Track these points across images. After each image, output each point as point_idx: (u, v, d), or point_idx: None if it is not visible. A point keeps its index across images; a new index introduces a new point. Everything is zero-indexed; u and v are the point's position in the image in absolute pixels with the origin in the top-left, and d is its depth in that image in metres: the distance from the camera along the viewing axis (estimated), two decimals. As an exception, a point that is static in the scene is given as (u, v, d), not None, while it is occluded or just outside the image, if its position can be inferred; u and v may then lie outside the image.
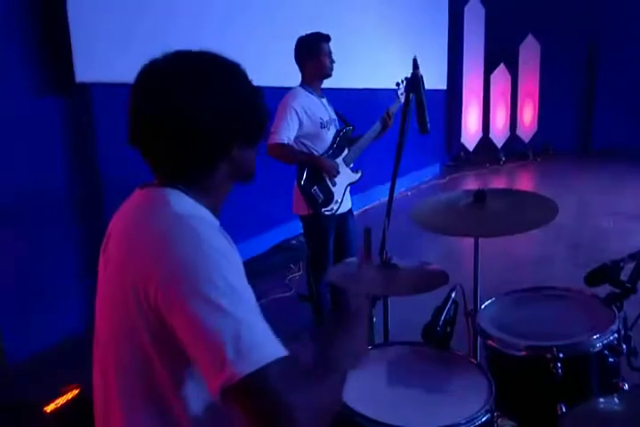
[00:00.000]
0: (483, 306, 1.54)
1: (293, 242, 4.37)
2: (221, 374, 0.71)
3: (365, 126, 2.73)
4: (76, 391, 2.04)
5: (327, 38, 2.62)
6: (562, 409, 1.27)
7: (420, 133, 1.52)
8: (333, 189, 2.63)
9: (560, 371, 1.25)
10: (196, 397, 0.83)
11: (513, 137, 8.82)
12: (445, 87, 7.90)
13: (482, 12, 8.19)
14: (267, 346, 0.74)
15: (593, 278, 1.33)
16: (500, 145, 8.62)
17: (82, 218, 2.97)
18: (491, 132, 8.61)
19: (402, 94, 2.74)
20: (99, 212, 2.97)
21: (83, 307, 2.93)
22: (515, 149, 8.69)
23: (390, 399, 1.28)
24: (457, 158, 8.45)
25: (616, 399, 1.11)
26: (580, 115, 9.02)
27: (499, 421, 1.53)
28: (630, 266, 1.35)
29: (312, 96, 2.64)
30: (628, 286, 1.31)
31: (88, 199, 2.98)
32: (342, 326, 1.03)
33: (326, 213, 2.62)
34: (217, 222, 0.88)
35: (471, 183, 7.37)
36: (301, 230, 2.84)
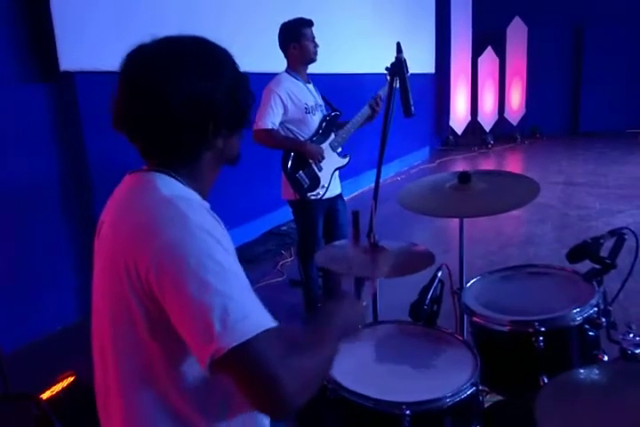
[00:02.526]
0: (468, 284, 1.59)
1: (284, 228, 4.39)
2: (209, 346, 0.73)
3: (353, 112, 2.74)
4: (71, 378, 2.07)
5: (309, 23, 2.62)
6: (544, 381, 1.31)
7: (404, 116, 1.54)
8: (319, 173, 2.66)
9: (542, 344, 1.30)
10: (192, 376, 0.85)
11: (501, 120, 8.86)
12: (434, 71, 7.89)
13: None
14: (254, 318, 0.75)
15: (574, 255, 1.37)
16: (488, 128, 8.66)
17: (71, 206, 2.96)
18: (479, 115, 8.64)
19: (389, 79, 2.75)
20: (88, 199, 2.97)
21: (76, 296, 2.95)
22: (503, 132, 8.74)
23: (377, 375, 1.32)
24: (446, 142, 8.49)
25: (595, 370, 1.16)
26: (566, 98, 9.07)
27: (487, 396, 1.59)
28: (610, 243, 1.39)
29: (297, 81, 2.64)
30: (608, 261, 1.35)
31: (76, 188, 2.97)
32: (333, 304, 1.05)
33: (312, 197, 2.64)
34: (206, 204, 0.90)
35: (460, 166, 7.41)
36: (292, 216, 2.86)
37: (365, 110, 2.68)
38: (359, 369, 1.33)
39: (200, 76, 0.86)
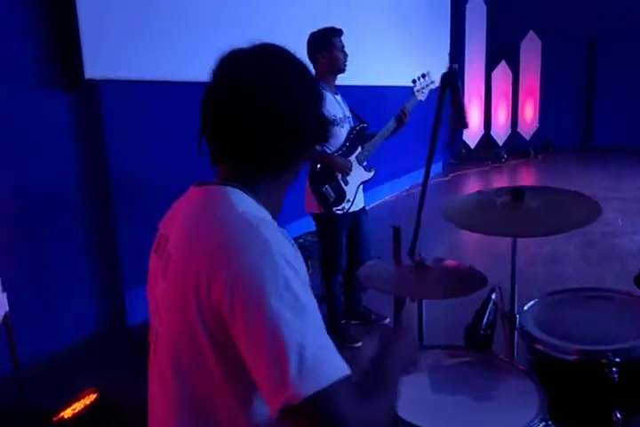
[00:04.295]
0: (525, 308, 1.49)
1: (301, 240, 4.31)
2: (283, 392, 0.66)
3: (379, 124, 2.68)
4: (93, 396, 1.97)
5: (339, 32, 2.57)
6: (617, 416, 1.21)
7: (457, 127, 1.47)
8: (345, 187, 2.59)
9: (616, 376, 1.20)
10: (256, 417, 0.78)
11: (514, 134, 8.81)
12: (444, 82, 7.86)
13: (483, 8, 8.17)
14: (331, 363, 0.69)
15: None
16: (501, 142, 8.61)
17: (92, 215, 2.91)
18: (492, 129, 8.59)
19: (417, 91, 2.70)
20: (109, 209, 2.91)
21: (95, 308, 2.87)
22: (516, 147, 8.67)
23: (438, 408, 1.23)
24: (459, 156, 8.42)
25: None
26: (580, 112, 9.02)
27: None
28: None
29: (325, 92, 2.58)
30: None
31: (98, 197, 2.91)
32: (390, 335, 0.96)
33: (338, 211, 2.57)
34: (281, 228, 0.82)
35: (474, 181, 7.34)
36: (309, 229, 2.80)
37: (392, 124, 2.62)
38: (416, 400, 1.23)
39: (304, 87, 0.84)
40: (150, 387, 0.91)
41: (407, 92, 2.72)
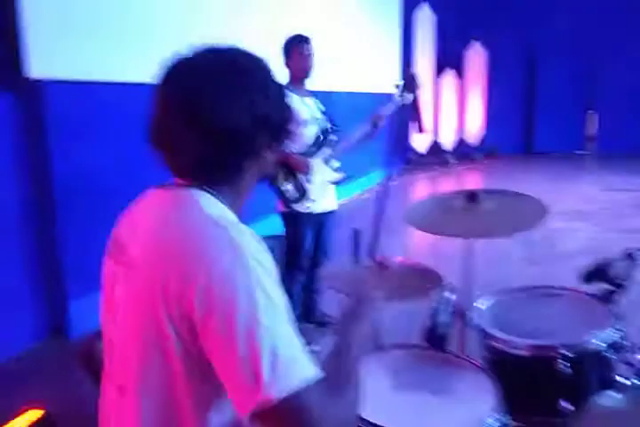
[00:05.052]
0: (480, 306, 1.55)
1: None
2: (256, 395, 0.67)
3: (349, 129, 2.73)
4: (38, 413, 1.87)
5: (301, 39, 2.64)
6: (564, 406, 1.28)
7: (418, 132, 1.51)
8: (308, 186, 2.61)
9: (566, 369, 1.27)
10: (219, 422, 0.77)
11: (461, 140, 9.13)
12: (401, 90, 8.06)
13: (432, 18, 8.42)
14: (303, 365, 0.70)
15: (589, 277, 1.36)
16: (449, 148, 8.90)
17: (33, 224, 2.75)
18: (440, 135, 8.87)
19: (399, 96, 2.74)
20: (50, 217, 2.77)
21: (36, 321, 2.73)
22: (463, 152, 9.00)
23: (397, 405, 1.25)
24: (409, 161, 8.64)
25: (620, 395, 1.14)
26: (522, 119, 9.48)
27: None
28: (622, 264, 1.39)
29: (294, 95, 2.61)
30: (622, 283, 1.35)
31: (38, 204, 2.76)
32: (345, 331, 0.97)
33: (300, 210, 2.60)
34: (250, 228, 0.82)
35: (424, 185, 7.55)
36: (273, 231, 2.81)
37: (364, 127, 2.66)
38: (377, 399, 1.25)
39: (248, 86, 0.81)
40: (104, 400, 0.88)
41: (360, 97, 2.76)
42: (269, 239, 4.11)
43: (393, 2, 7.65)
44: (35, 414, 1.86)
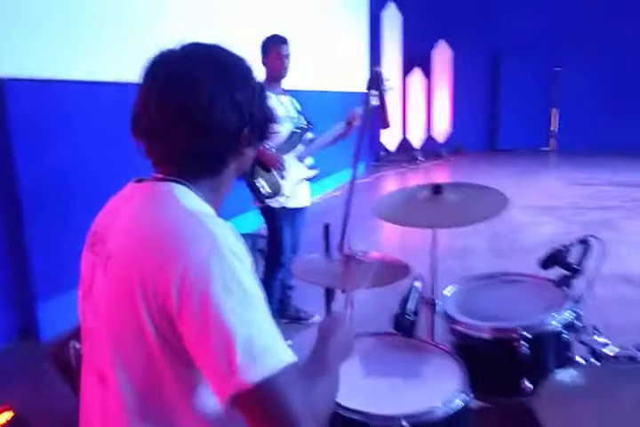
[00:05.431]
0: (445, 293, 1.62)
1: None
2: (232, 380, 0.69)
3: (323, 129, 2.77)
4: (8, 415, 1.85)
5: (277, 39, 2.71)
6: (525, 385, 1.36)
7: (381, 128, 1.56)
8: (282, 182, 2.66)
9: (525, 349, 1.34)
10: (205, 407, 0.80)
11: (429, 138, 9.31)
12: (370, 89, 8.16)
13: (399, 17, 8.54)
14: (277, 351, 0.72)
15: (547, 263, 1.44)
16: (417, 145, 9.06)
17: (0, 226, 2.70)
18: (409, 133, 9.01)
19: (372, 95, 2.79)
20: (17, 217, 2.72)
21: (5, 323, 2.67)
22: (431, 149, 9.17)
23: (368, 388, 1.31)
24: (379, 158, 8.75)
25: (577, 372, 1.22)
26: (487, 117, 9.72)
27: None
28: (576, 250, 1.48)
29: (270, 93, 2.64)
30: (577, 267, 1.44)
31: (5, 204, 2.71)
32: (327, 324, 1.01)
33: (273, 205, 2.64)
34: (227, 222, 0.85)
35: (394, 181, 7.67)
36: (250, 229, 2.85)
37: (339, 126, 2.70)
38: (349, 384, 1.30)
39: (236, 84, 0.83)
40: (86, 391, 0.89)
41: (331, 96, 2.82)
42: (246, 236, 4.15)
43: (361, 2, 7.74)
44: (4, 416, 1.84)
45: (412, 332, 1.51)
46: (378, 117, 1.58)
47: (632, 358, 1.33)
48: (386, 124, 1.58)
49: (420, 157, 8.75)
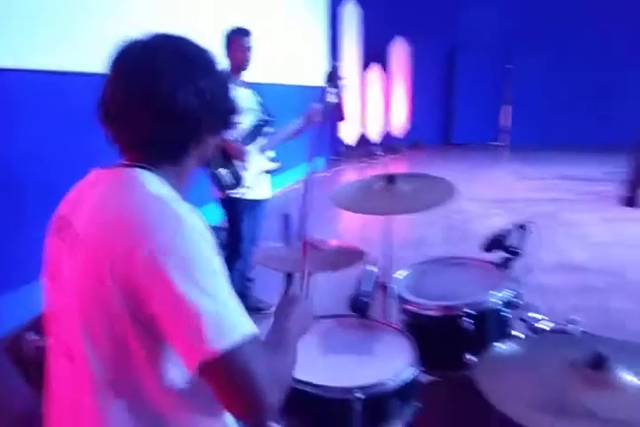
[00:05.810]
0: (398, 276, 1.72)
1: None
2: (200, 349, 0.74)
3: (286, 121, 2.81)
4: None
5: (241, 32, 2.75)
6: (468, 358, 1.48)
7: (337, 121, 1.64)
8: (244, 173, 2.70)
9: (468, 325, 1.46)
10: (176, 378, 0.84)
11: (387, 133, 9.49)
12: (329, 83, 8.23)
13: (358, 13, 8.64)
14: (242, 324, 0.77)
15: (489, 246, 1.56)
16: (376, 140, 9.22)
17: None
18: (368, 128, 9.16)
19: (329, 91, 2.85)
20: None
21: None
22: (389, 144, 9.35)
23: (325, 365, 1.39)
24: (339, 153, 8.86)
25: (514, 344, 1.34)
26: (444, 112, 9.99)
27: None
28: (516, 234, 1.61)
29: (232, 85, 2.67)
30: (516, 250, 1.57)
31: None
32: (286, 306, 1.07)
33: (234, 195, 2.68)
34: (187, 202, 0.89)
35: (353, 174, 7.79)
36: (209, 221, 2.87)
37: (300, 120, 2.75)
38: (307, 361, 1.38)
39: (199, 72, 0.87)
40: (54, 372, 0.92)
41: (290, 90, 2.88)
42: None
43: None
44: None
45: (367, 312, 1.60)
46: (335, 111, 1.65)
47: (564, 332, 1.47)
48: (341, 117, 1.65)
49: (378, 152, 8.91)
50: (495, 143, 9.83)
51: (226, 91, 0.93)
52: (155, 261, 0.76)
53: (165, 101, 0.84)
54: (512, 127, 9.89)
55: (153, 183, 0.86)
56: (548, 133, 9.39)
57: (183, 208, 0.83)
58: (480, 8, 9.23)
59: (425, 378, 1.53)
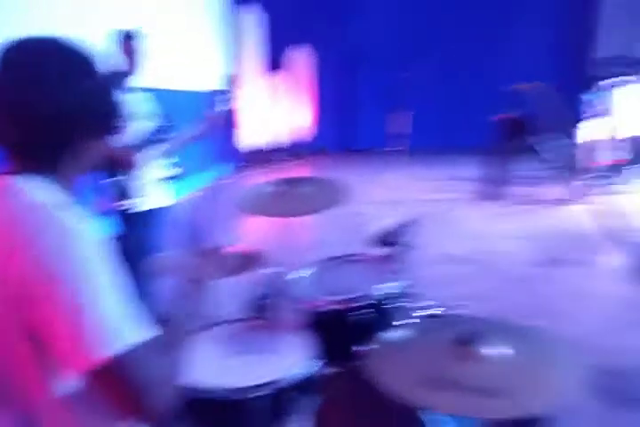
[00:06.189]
0: (297, 276, 1.80)
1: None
2: (89, 355, 0.74)
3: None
4: None
5: (130, 35, 2.68)
6: (362, 348, 1.57)
7: (232, 128, 1.68)
8: (136, 183, 2.62)
9: (359, 317, 1.57)
10: (63, 391, 0.83)
11: (293, 139, 9.65)
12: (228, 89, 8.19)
13: (261, 19, 8.69)
14: (131, 329, 0.78)
15: (380, 242, 1.69)
16: (281, 146, 9.34)
17: None
18: (273, 134, 9.24)
19: (221, 95, 2.84)
20: None
21: None
22: (294, 150, 9.51)
23: (224, 368, 1.42)
24: (244, 159, 8.84)
25: (403, 332, 1.46)
26: (347, 119, 10.34)
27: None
28: (403, 230, 1.75)
29: (121, 89, 2.59)
30: (405, 245, 1.71)
31: None
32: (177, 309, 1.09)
33: (129, 207, 2.61)
34: (76, 209, 0.88)
35: (258, 181, 7.77)
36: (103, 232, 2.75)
37: (197, 126, 2.73)
38: (206, 366, 1.41)
39: (75, 75, 0.86)
40: None
41: (186, 95, 2.85)
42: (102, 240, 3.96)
43: (219, 1, 7.73)
44: None
45: (269, 314, 1.65)
46: (231, 118, 1.69)
47: (447, 316, 1.61)
48: (235, 124, 1.70)
49: (283, 158, 9.03)
50: (395, 148, 10.33)
51: (106, 94, 0.91)
52: (39, 267, 0.76)
53: (27, 107, 0.83)
54: (411, 132, 10.43)
55: (37, 190, 0.85)
56: (443, 137, 10.02)
57: (69, 215, 0.82)
58: (379, 15, 9.64)
59: (327, 371, 1.60)
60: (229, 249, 1.84)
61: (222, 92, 2.78)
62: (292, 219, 1.92)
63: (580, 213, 5.66)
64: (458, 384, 1.07)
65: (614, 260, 4.18)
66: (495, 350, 1.18)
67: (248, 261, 1.79)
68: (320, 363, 1.49)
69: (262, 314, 1.64)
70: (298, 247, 1.94)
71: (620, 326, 3.10)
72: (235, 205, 1.82)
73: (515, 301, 3.33)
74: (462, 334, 1.18)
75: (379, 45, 9.69)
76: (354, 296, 1.62)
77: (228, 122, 1.69)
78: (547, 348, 1.29)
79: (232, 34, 8.02)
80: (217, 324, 1.66)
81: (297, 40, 9.20)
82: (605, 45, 8.62)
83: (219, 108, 2.75)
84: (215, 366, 1.43)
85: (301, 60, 9.43)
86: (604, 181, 6.31)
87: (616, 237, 4.64)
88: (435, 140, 10.04)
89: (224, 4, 7.78)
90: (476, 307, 1.70)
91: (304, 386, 1.41)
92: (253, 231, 4.61)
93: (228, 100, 2.77)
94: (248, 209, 1.83)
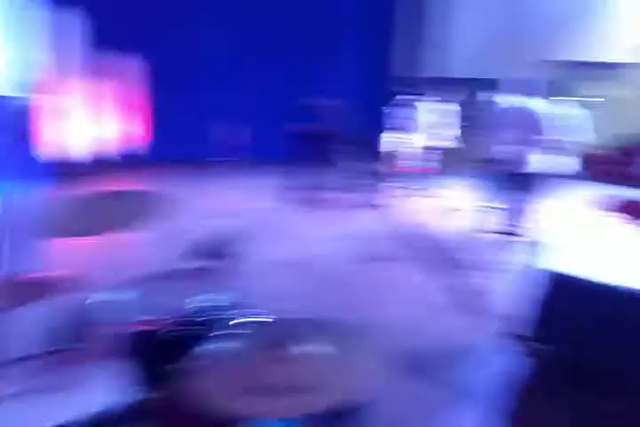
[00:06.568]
0: (106, 299, 1.67)
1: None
2: None
3: None
4: None
5: None
6: (171, 368, 1.51)
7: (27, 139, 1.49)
8: None
9: (174, 334, 1.52)
10: None
11: (119, 150, 9.00)
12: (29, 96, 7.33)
13: (81, 23, 8.03)
14: None
15: (199, 253, 1.67)
16: (103, 157, 8.66)
17: None
18: (95, 145, 8.53)
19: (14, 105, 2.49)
20: None
21: None
22: (120, 162, 8.88)
23: (20, 411, 1.25)
24: (52, 172, 7.97)
25: (224, 344, 1.44)
26: (180, 129, 9.94)
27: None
28: (223, 241, 1.75)
29: None
30: (226, 257, 1.71)
31: None
32: None
33: None
34: None
35: (69, 196, 7.06)
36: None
37: None
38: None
39: None
40: None
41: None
42: None
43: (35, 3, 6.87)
44: None
45: (73, 344, 1.50)
46: (28, 127, 1.50)
47: (266, 321, 1.63)
48: (36, 139, 1.51)
49: (104, 170, 8.35)
50: (232, 159, 10.24)
51: None
52: None
53: None
54: (243, 144, 10.44)
55: None
56: (286, 149, 10.19)
57: None
58: (214, 26, 9.51)
59: (147, 396, 1.50)
60: (24, 276, 1.63)
61: (12, 99, 2.47)
62: (108, 237, 1.77)
63: (387, 215, 6.37)
64: (274, 388, 1.10)
65: (420, 255, 4.78)
66: (308, 349, 1.24)
67: (47, 288, 1.60)
68: (136, 390, 1.40)
69: (67, 345, 1.48)
70: (112, 268, 1.80)
71: (426, 313, 3.53)
72: (37, 225, 1.62)
73: (334, 299, 3.55)
74: (275, 338, 1.22)
75: (211, 56, 9.57)
76: (168, 314, 1.55)
77: (21, 131, 1.49)
78: (357, 340, 1.40)
79: (37, 37, 7.18)
80: (12, 361, 1.46)
81: (126, 48, 8.64)
82: (403, 65, 9.89)
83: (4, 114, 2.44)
84: (7, 411, 1.25)
85: (131, 68, 8.86)
86: (410, 187, 7.18)
87: (420, 235, 5.33)
88: (274, 152, 10.16)
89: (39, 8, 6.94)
90: (296, 309, 1.77)
91: (123, 417, 1.31)
92: (62, 253, 4.15)
93: (20, 107, 2.47)
94: (53, 229, 1.65)
